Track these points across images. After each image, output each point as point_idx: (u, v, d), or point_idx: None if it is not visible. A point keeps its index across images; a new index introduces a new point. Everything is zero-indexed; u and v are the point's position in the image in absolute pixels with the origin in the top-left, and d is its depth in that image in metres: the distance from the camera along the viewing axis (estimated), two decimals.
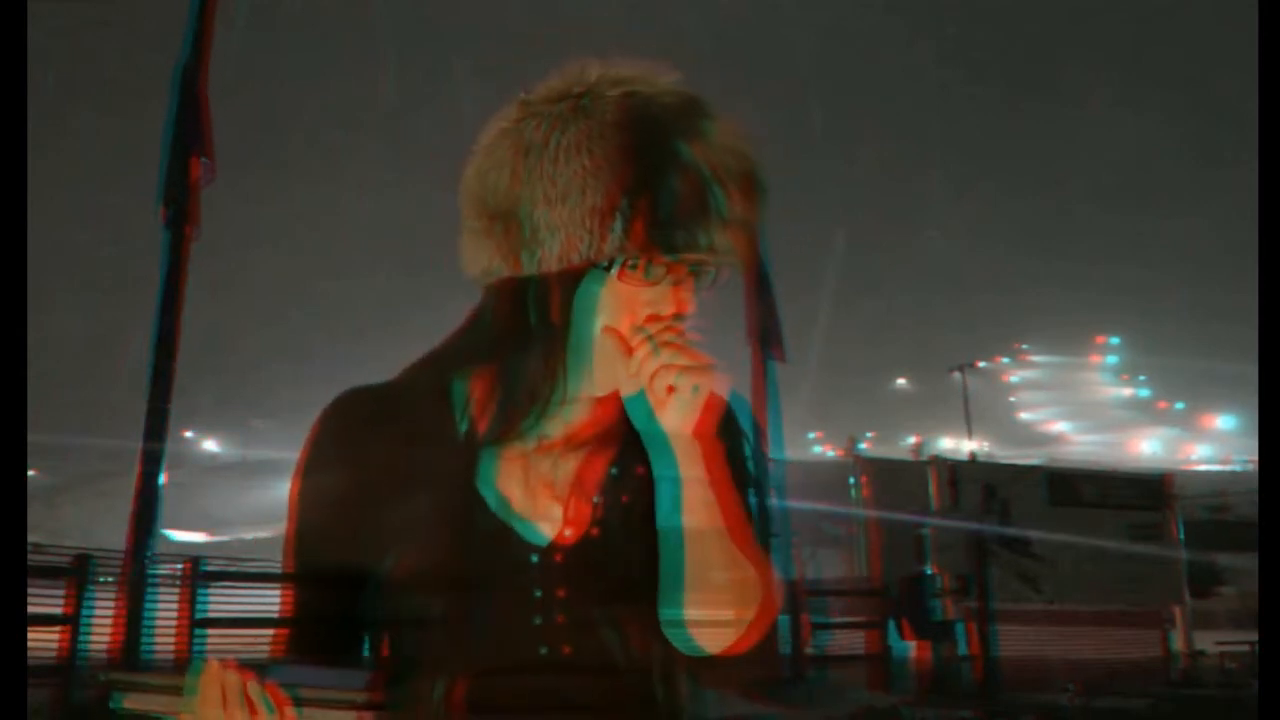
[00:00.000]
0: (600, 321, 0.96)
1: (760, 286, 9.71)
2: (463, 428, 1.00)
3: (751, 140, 1.00)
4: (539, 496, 0.97)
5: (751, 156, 0.99)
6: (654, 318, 0.94)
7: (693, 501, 0.92)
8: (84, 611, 5.96)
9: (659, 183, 0.93)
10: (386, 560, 0.95)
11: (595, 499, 0.98)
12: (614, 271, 0.95)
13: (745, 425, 1.08)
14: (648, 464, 0.98)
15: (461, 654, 0.92)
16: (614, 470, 1.00)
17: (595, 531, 0.97)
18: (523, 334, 0.98)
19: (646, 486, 0.98)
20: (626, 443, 1.00)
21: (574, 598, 0.93)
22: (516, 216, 0.96)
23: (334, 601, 0.98)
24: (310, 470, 1.02)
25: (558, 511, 0.97)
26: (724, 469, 0.95)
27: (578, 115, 0.97)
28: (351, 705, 0.79)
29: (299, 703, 0.80)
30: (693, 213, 0.93)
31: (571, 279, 0.96)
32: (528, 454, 0.99)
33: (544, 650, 0.92)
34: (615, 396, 1.01)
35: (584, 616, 0.93)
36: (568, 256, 0.95)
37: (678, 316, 0.95)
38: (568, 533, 0.96)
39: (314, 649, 0.99)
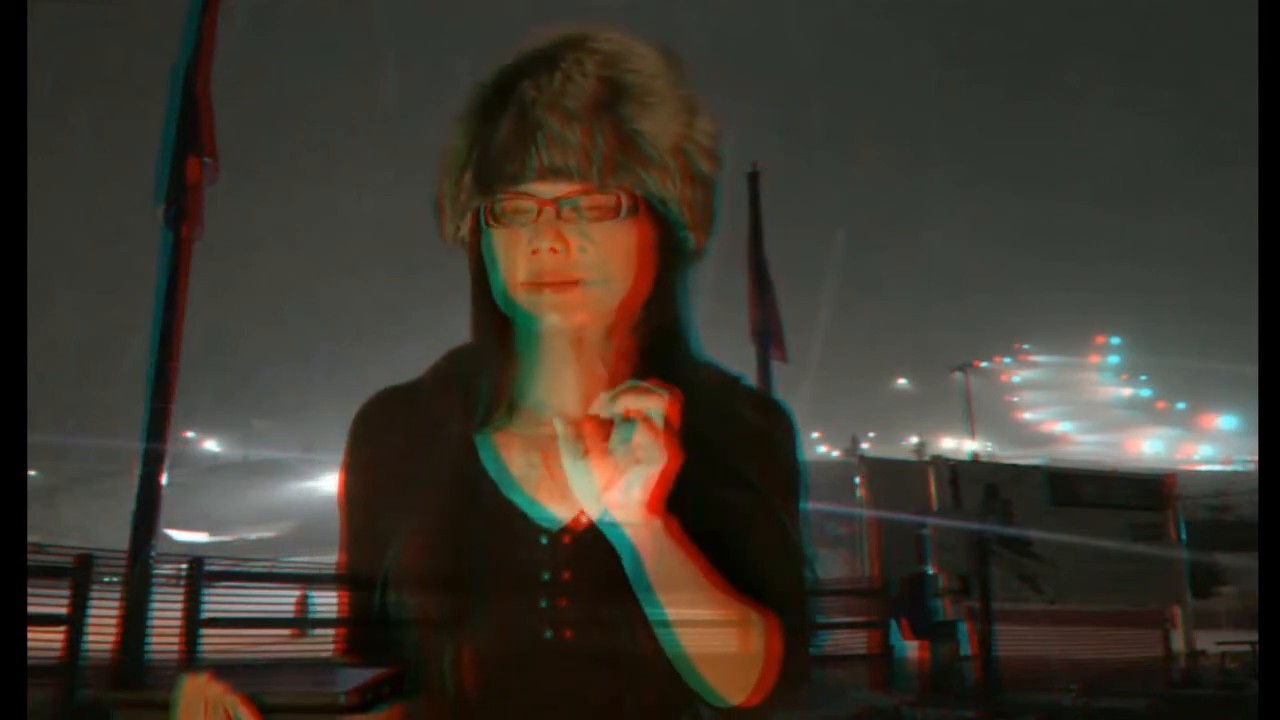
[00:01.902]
0: (503, 275, 0.96)
1: (760, 287, 9.72)
2: (471, 413, 1.01)
3: (637, 65, 0.98)
4: (556, 479, 0.95)
5: (619, 77, 0.97)
6: (536, 252, 0.93)
7: (674, 587, 0.89)
8: (84, 611, 5.96)
9: (492, 123, 0.96)
10: (394, 549, 0.96)
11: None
12: (484, 222, 0.97)
13: (799, 447, 1.06)
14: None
15: (467, 637, 0.92)
16: None
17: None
18: (476, 311, 1.02)
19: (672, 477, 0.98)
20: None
21: (580, 582, 0.92)
22: (436, 200, 1.02)
23: (372, 600, 0.98)
24: (346, 475, 1.04)
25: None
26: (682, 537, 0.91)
27: (471, 89, 1.01)
28: (333, 709, 0.78)
29: (275, 710, 0.79)
30: (516, 143, 0.94)
31: (474, 241, 1.00)
32: (544, 434, 0.98)
33: (549, 634, 0.91)
34: (632, 375, 1.00)
35: (590, 602, 0.92)
36: (453, 222, 1.00)
37: (558, 251, 0.93)
38: (583, 519, 0.94)
39: (363, 649, 1.00)
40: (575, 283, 0.94)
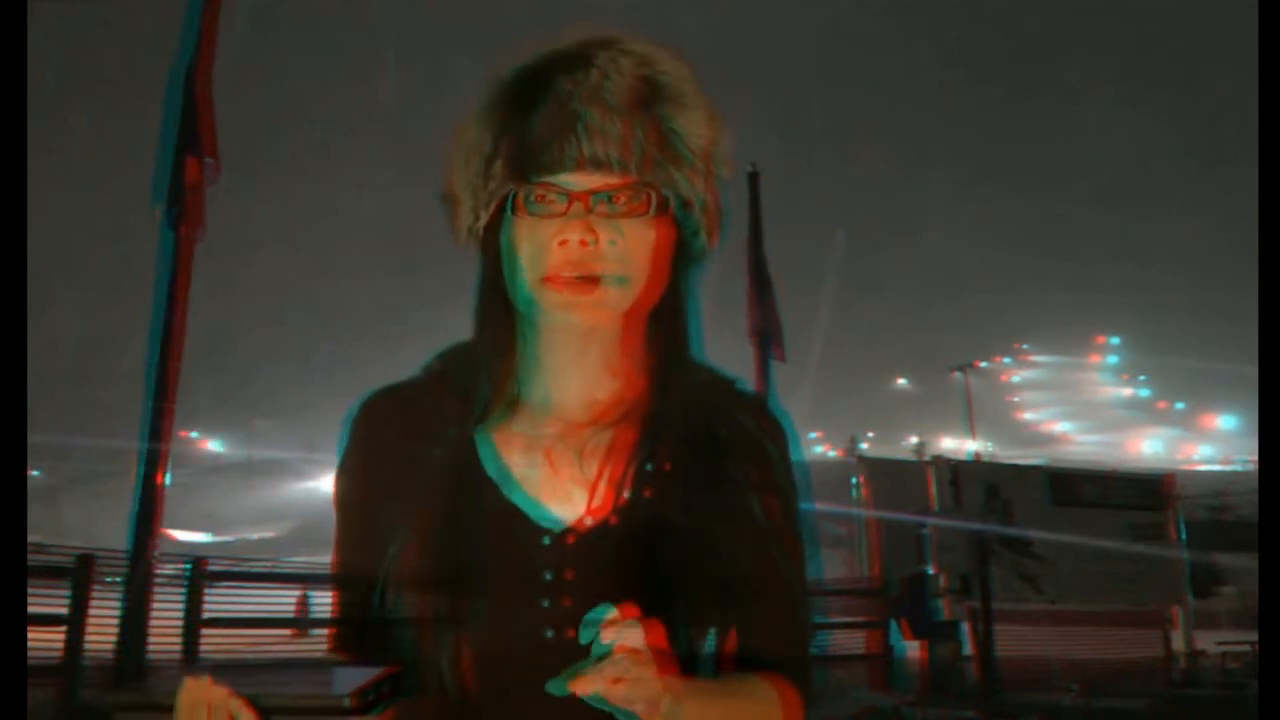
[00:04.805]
0: (521, 265, 0.96)
1: (760, 286, 9.71)
2: (471, 412, 1.01)
3: (669, 67, 0.99)
4: (560, 479, 0.97)
5: (654, 76, 0.97)
6: (565, 243, 0.93)
7: None
8: (84, 611, 5.95)
9: (525, 113, 0.95)
10: (393, 549, 0.96)
11: (619, 485, 0.96)
12: (510, 211, 0.96)
13: (798, 454, 1.06)
14: (675, 455, 0.98)
15: (469, 636, 0.92)
16: (641, 457, 0.98)
17: (614, 519, 0.95)
18: (483, 306, 1.02)
19: (673, 480, 0.97)
20: (657, 426, 0.99)
21: (583, 582, 0.92)
22: (452, 192, 1.02)
23: (369, 601, 0.98)
24: (341, 475, 1.04)
25: (580, 494, 0.96)
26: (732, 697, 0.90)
27: (489, 84, 1.00)
28: (336, 711, 0.78)
29: (277, 712, 0.79)
30: (554, 133, 0.93)
31: (491, 234, 0.99)
32: (547, 434, 0.99)
33: (550, 634, 0.91)
34: (638, 376, 1.01)
35: (592, 602, 0.90)
36: (474, 212, 0.99)
37: (587, 243, 0.93)
38: (587, 519, 0.95)
39: (357, 649, 1.00)
40: (596, 279, 0.94)
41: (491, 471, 0.98)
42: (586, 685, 0.78)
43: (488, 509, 0.96)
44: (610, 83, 0.95)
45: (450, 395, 1.02)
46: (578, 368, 1.00)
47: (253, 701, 0.78)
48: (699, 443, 1.00)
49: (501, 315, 1.00)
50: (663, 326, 1.02)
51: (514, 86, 0.98)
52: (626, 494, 0.96)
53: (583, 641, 0.80)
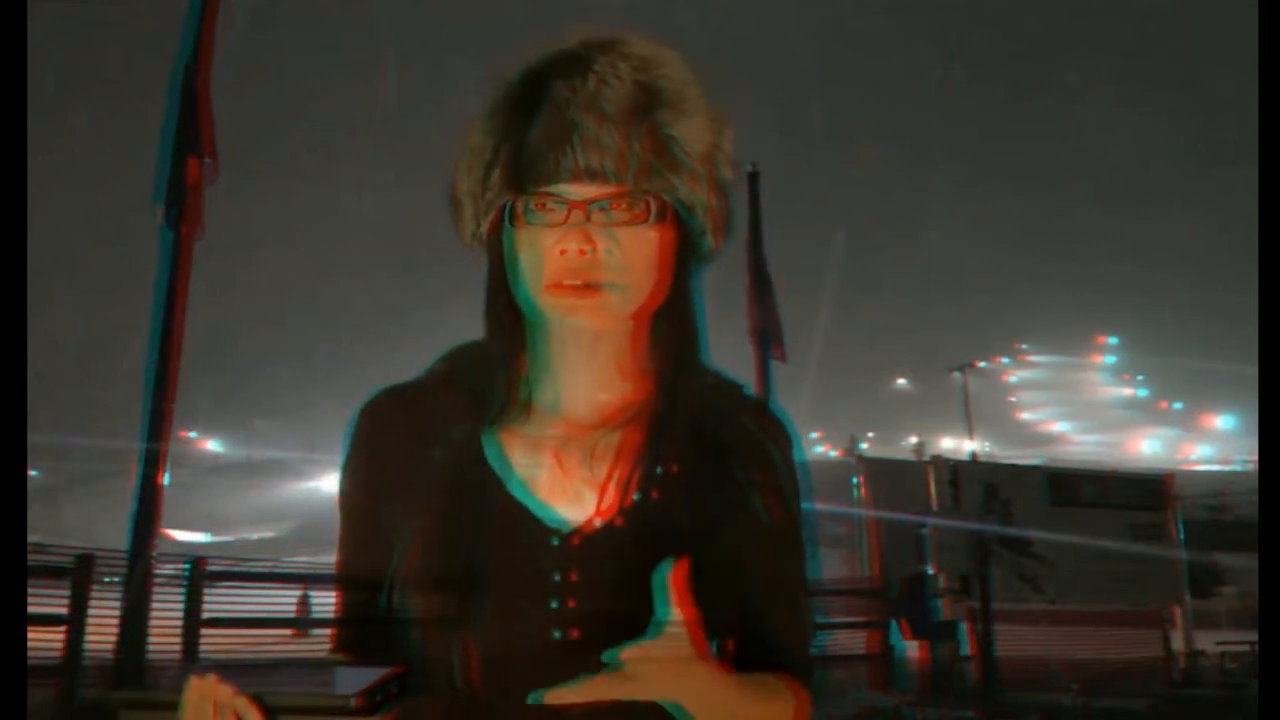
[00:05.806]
0: (523, 273, 0.96)
1: (760, 286, 9.71)
2: (480, 413, 1.01)
3: (670, 71, 0.98)
4: (570, 480, 0.97)
5: (653, 82, 0.97)
6: (564, 253, 0.93)
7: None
8: (84, 611, 5.95)
9: (524, 120, 0.95)
10: (401, 549, 0.96)
11: (627, 487, 0.97)
12: (509, 220, 0.96)
13: (799, 454, 1.06)
14: (682, 458, 0.98)
15: (476, 637, 0.92)
16: (649, 460, 0.98)
17: (621, 521, 0.95)
18: (491, 310, 1.02)
19: (680, 483, 0.98)
20: (664, 428, 1.00)
21: (589, 583, 0.93)
22: (455, 197, 1.02)
23: (373, 601, 0.98)
24: (345, 474, 1.04)
25: (589, 496, 0.96)
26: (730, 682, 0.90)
27: (494, 86, 1.00)
28: (342, 712, 0.78)
29: (283, 712, 0.79)
30: (551, 143, 0.93)
31: (495, 238, 0.99)
32: (556, 436, 0.99)
33: (557, 634, 0.91)
34: (646, 379, 1.02)
35: (597, 602, 0.92)
36: (475, 219, 0.99)
37: (586, 252, 0.93)
38: (596, 521, 0.95)
39: (359, 649, 1.00)
40: (598, 285, 0.94)
41: (500, 472, 0.98)
42: (566, 697, 0.80)
43: (496, 510, 0.96)
44: (608, 89, 0.95)
45: (455, 397, 1.02)
46: (587, 370, 1.00)
47: (258, 700, 0.78)
48: (704, 445, 1.00)
49: (510, 319, 1.00)
50: (671, 329, 1.02)
51: (514, 90, 0.98)
52: (634, 496, 0.96)
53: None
